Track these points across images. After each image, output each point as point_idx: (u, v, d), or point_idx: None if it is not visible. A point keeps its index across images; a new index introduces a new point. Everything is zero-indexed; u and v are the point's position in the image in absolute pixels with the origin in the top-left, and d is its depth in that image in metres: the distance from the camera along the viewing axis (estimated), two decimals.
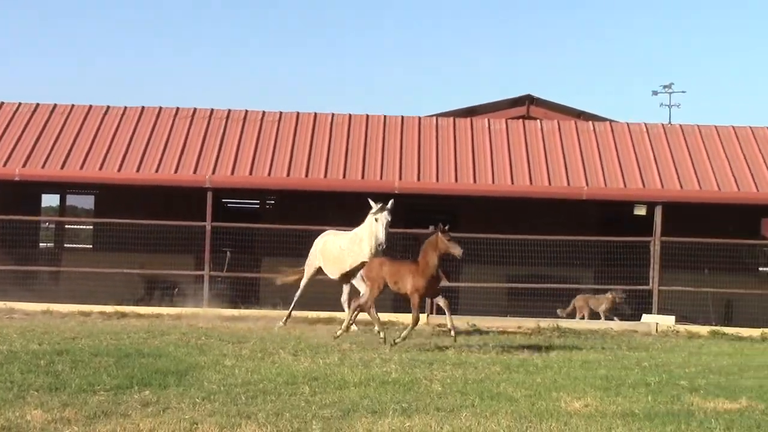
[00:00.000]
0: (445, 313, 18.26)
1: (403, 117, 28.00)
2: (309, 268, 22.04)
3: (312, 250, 22.15)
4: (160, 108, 27.96)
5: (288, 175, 25.80)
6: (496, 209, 26.62)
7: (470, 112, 29.95)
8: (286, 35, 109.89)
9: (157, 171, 25.76)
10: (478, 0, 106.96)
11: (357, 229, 21.09)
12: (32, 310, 23.25)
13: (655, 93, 56.69)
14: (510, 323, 23.37)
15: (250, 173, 25.79)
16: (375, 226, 20.32)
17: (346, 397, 12.47)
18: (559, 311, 25.33)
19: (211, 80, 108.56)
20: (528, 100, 30.82)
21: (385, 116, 28.00)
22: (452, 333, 17.94)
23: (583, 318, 25.19)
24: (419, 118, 28.11)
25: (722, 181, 25.91)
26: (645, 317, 24.52)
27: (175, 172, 25.76)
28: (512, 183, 25.73)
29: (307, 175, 25.81)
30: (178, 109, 27.94)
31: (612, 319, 24.80)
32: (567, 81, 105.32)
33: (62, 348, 16.16)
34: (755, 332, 23.30)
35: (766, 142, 27.27)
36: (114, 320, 22.41)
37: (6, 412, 11.01)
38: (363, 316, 19.21)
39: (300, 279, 22.19)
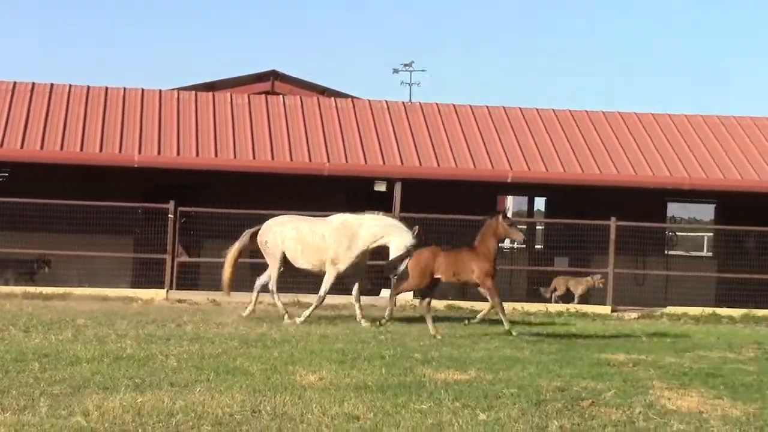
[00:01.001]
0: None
1: (143, 89, 27.58)
2: (274, 259, 19.84)
3: (271, 238, 19.90)
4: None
5: (21, 147, 24.98)
6: (239, 184, 26.52)
7: (212, 86, 29.70)
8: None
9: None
10: None
11: (348, 218, 19.72)
12: None
13: (395, 71, 57.39)
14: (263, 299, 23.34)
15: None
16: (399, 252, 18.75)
17: (77, 373, 12.19)
18: (542, 290, 25.98)
19: None
20: (273, 76, 30.80)
21: (124, 88, 27.50)
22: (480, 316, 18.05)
23: (555, 296, 25.97)
24: (160, 91, 27.71)
25: (459, 158, 26.59)
26: (384, 291, 24.91)
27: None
28: (254, 158, 25.69)
29: (42, 147, 25.06)
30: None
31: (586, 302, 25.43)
32: (314, 58, 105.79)
33: None
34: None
35: (501, 121, 28.13)
36: None
37: None
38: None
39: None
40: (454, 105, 28.57)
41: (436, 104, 28.60)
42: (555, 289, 26.42)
